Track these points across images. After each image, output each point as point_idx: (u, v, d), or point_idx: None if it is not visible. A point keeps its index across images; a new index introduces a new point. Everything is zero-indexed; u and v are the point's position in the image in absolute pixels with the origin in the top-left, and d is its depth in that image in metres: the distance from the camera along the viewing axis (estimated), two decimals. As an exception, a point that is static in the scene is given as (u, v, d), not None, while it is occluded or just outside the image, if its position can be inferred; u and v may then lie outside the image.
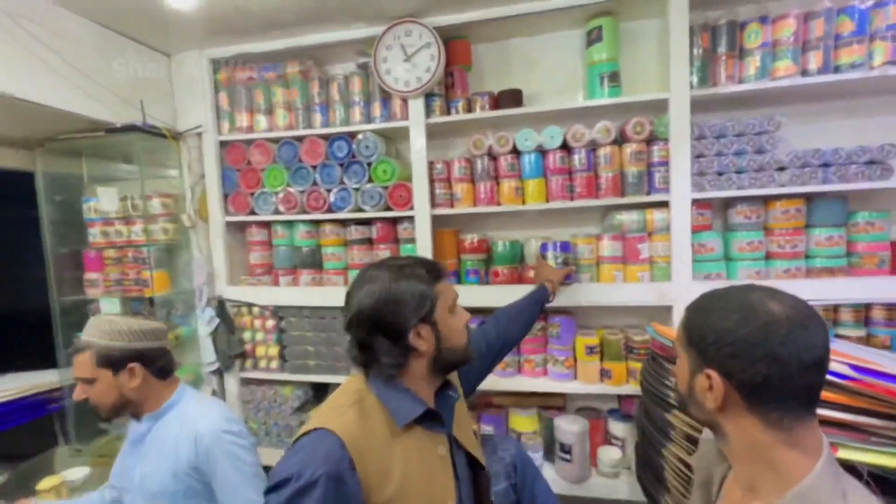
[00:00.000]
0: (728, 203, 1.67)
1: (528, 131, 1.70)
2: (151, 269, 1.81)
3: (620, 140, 1.69)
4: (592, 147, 1.69)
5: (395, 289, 0.83)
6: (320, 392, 2.13)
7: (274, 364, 2.01)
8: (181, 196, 1.95)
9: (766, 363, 0.61)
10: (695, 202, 1.60)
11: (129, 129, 1.69)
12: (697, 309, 0.71)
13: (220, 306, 1.99)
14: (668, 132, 1.60)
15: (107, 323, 1.08)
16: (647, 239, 1.66)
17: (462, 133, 1.91)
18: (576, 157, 1.69)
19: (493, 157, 1.78)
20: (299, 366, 1.98)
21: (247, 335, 2.03)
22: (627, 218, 1.67)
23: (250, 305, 1.99)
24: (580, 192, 1.69)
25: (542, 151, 1.73)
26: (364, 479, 0.74)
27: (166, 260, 1.92)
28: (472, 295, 1.79)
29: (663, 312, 1.69)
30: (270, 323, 1.99)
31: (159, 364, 1.12)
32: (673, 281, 1.60)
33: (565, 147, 1.71)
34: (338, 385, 2.18)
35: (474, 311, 1.91)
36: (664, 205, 1.64)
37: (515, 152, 1.75)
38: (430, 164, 1.82)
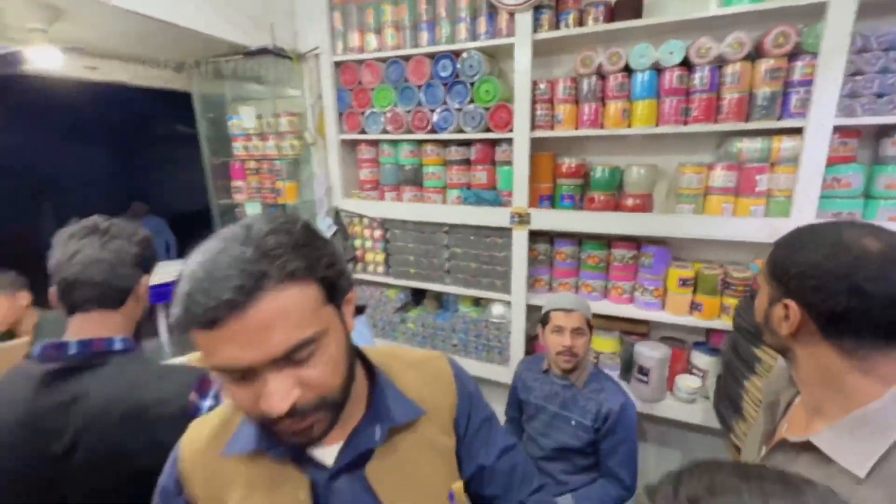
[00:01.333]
0: (883, 131, 1.43)
1: (644, 46, 1.57)
2: (283, 179, 2.12)
3: (755, 55, 1.49)
4: (718, 64, 1.52)
5: None
6: (419, 296, 2.41)
7: (380, 269, 2.30)
8: (303, 115, 2.17)
9: (849, 296, 0.62)
10: (838, 129, 1.40)
11: (263, 52, 1.89)
12: (786, 244, 0.71)
13: (337, 216, 2.28)
14: (818, 44, 1.37)
15: None
16: (769, 170, 1.52)
17: (570, 49, 1.81)
18: (697, 75, 1.54)
19: (601, 76, 1.69)
20: (401, 272, 2.24)
21: (358, 243, 2.32)
22: (748, 146, 1.53)
23: (361, 216, 2.25)
24: (696, 116, 1.57)
25: (657, 69, 1.60)
26: (189, 499, 0.62)
27: (294, 172, 2.21)
28: (565, 219, 1.82)
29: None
30: (378, 233, 2.24)
31: None
32: (792, 217, 1.48)
33: (685, 64, 1.55)
34: (435, 292, 2.39)
35: (567, 236, 1.97)
36: (797, 132, 1.46)
37: (627, 71, 1.64)
38: (534, 84, 1.78)
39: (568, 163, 1.84)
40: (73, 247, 0.95)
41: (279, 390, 0.50)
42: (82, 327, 0.94)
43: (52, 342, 0.92)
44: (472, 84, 1.87)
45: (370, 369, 0.68)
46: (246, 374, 0.51)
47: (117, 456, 0.89)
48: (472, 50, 1.83)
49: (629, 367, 1.89)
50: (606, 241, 1.87)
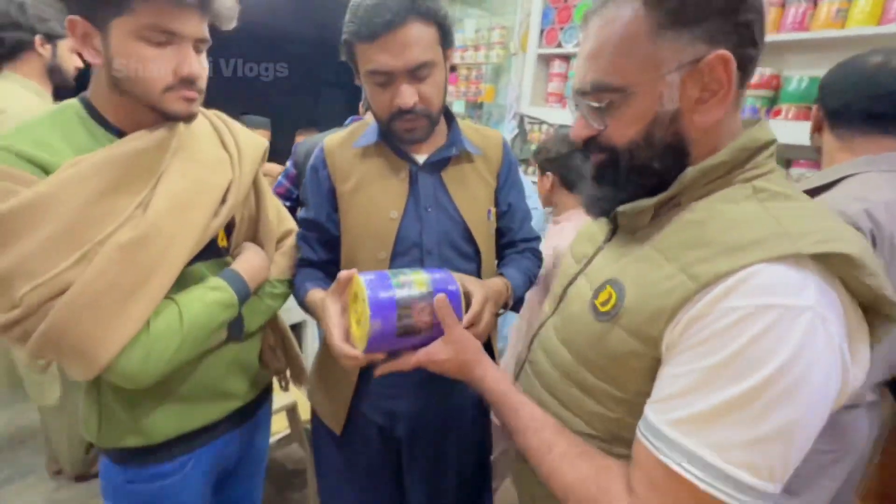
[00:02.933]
0: None
1: (881, -67, 1.44)
2: (485, 83, 2.59)
3: None
4: (984, -55, 1.31)
5: None
6: (576, 201, 2.67)
7: (547, 172, 2.62)
8: (511, 29, 2.58)
9: (844, 96, 0.92)
10: None
11: (491, -30, 2.34)
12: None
13: (521, 121, 2.67)
14: None
15: None
16: None
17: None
18: (949, -38, 1.35)
19: (819, -27, 1.60)
20: (565, 177, 2.52)
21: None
22: None
23: (541, 122, 2.59)
24: (936, 12, 1.38)
25: (894, -41, 1.45)
26: (331, 173, 0.94)
27: (495, 78, 2.67)
28: (740, 130, 1.82)
29: None
30: (552, 139, 2.55)
31: None
32: None
33: (935, -51, 1.37)
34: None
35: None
36: None
37: (853, -36, 1.52)
38: (738, -11, 1.78)
39: (759, 73, 1.80)
40: None
41: (409, 91, 0.80)
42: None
43: None
44: (671, -7, 1.96)
45: (451, 118, 0.98)
46: (387, 80, 0.80)
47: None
48: (678, -42, 1.91)
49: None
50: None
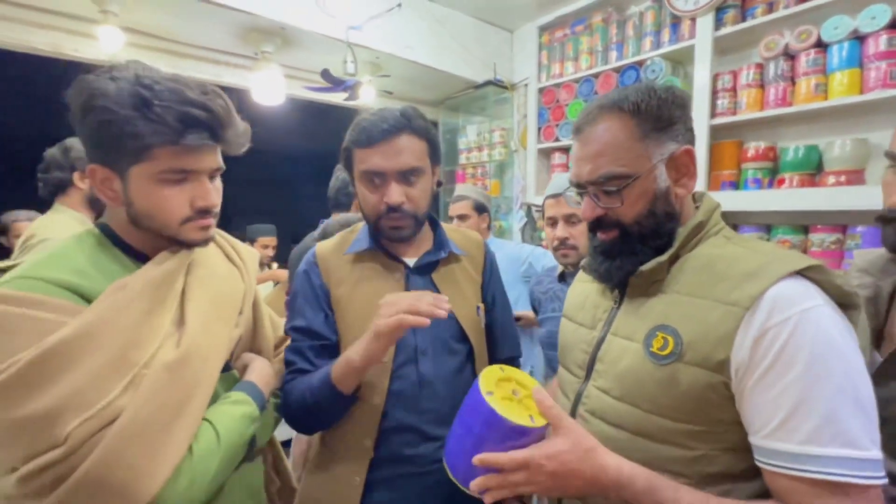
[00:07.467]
0: None
1: (838, 18, 1.57)
2: (490, 178, 2.73)
3: None
4: (941, 18, 1.40)
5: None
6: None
7: (561, 257, 2.63)
8: (511, 129, 2.78)
9: None
10: None
11: (487, 83, 2.59)
12: None
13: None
14: None
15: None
16: None
17: (754, 42, 1.88)
18: (911, 35, 1.44)
19: (789, 56, 1.72)
20: (580, 259, 2.52)
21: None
22: None
23: (549, 210, 2.66)
24: (914, 77, 1.45)
25: (858, 38, 1.56)
26: (325, 278, 0.97)
27: (499, 173, 2.82)
28: (751, 200, 1.82)
29: None
30: (562, 224, 2.60)
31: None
32: None
33: (893, 27, 1.48)
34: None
35: (753, 223, 1.89)
36: None
37: (819, 46, 1.64)
38: (715, 77, 1.92)
39: (755, 146, 1.85)
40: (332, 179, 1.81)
41: (399, 191, 0.90)
42: (333, 216, 1.75)
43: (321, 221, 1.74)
44: (654, 86, 2.12)
45: (436, 225, 1.07)
46: (379, 181, 0.90)
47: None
48: (654, 58, 2.10)
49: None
50: (802, 227, 1.77)
